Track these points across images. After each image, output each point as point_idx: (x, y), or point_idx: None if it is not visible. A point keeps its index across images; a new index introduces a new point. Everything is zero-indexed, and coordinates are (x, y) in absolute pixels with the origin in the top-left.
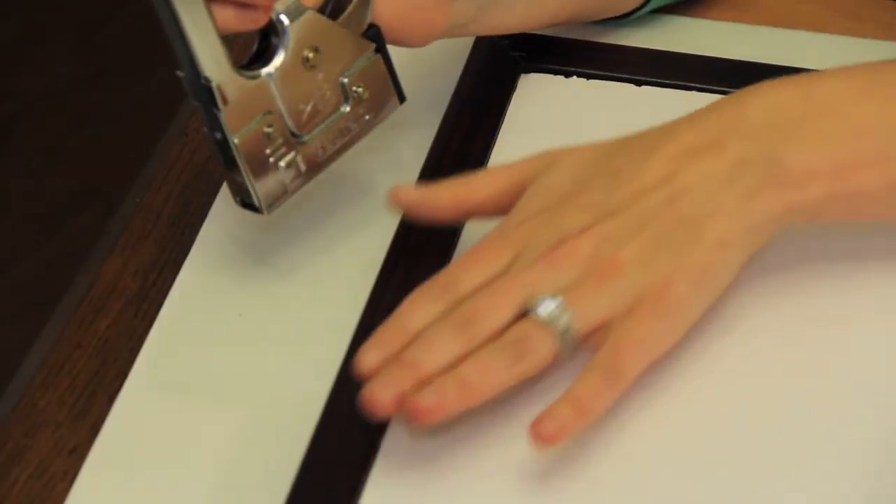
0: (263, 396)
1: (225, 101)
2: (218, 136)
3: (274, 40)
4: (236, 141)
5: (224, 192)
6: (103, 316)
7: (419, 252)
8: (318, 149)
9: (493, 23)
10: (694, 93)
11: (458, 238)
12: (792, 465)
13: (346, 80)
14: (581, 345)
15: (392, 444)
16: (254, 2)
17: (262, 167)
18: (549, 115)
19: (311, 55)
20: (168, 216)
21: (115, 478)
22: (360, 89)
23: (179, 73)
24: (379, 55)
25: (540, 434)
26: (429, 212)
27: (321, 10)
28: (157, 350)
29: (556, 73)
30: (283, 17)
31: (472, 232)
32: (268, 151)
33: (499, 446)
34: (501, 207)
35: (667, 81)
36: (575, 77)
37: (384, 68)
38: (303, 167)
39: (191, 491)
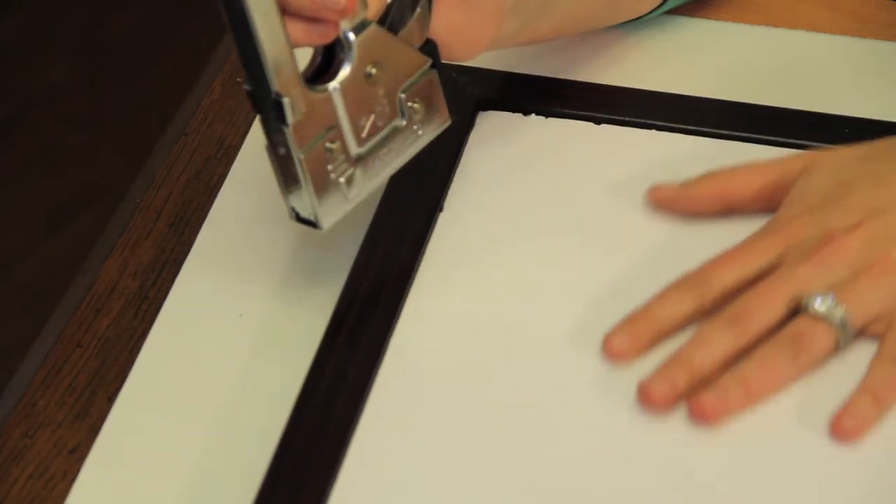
0: (264, 396)
1: (294, 116)
2: (282, 151)
3: (339, 55)
4: (301, 157)
5: (224, 193)
6: (103, 316)
7: (392, 250)
8: (374, 164)
9: (532, 35)
10: (654, 132)
11: (431, 228)
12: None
13: (403, 95)
14: (858, 336)
15: (361, 448)
16: (324, 17)
17: (323, 183)
18: (507, 154)
19: (373, 70)
20: (168, 216)
21: (115, 478)
22: (415, 104)
23: (246, 87)
24: (434, 70)
25: (841, 430)
26: (688, 207)
27: (381, 22)
28: (157, 350)
29: (514, 110)
30: (350, 33)
31: (447, 227)
32: (329, 167)
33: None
34: (760, 205)
35: (626, 119)
36: (533, 115)
37: (438, 84)
38: (360, 182)
39: (191, 491)
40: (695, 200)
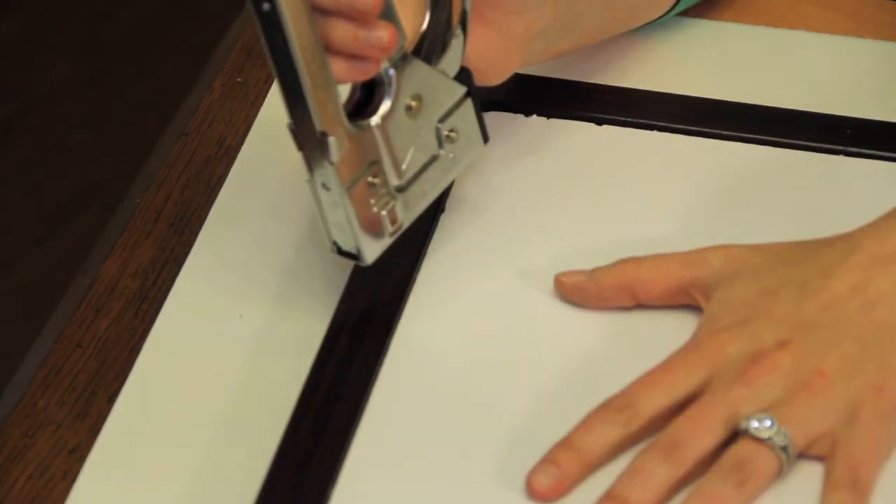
0: (265, 396)
1: (338, 154)
2: (325, 187)
3: (380, 90)
4: (345, 192)
5: (224, 193)
6: (103, 316)
7: (393, 251)
8: (414, 194)
9: (556, 52)
10: (655, 132)
11: (432, 229)
12: None
13: (440, 125)
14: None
15: (361, 449)
16: (367, 54)
17: (366, 217)
18: (508, 154)
19: (413, 104)
20: (168, 216)
21: (115, 478)
22: (452, 133)
23: (290, 125)
24: (469, 99)
25: None
26: (593, 299)
27: (416, 52)
28: (157, 350)
29: (515, 111)
30: (390, 68)
31: (448, 228)
32: (372, 201)
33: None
34: (669, 302)
35: (628, 120)
36: (535, 116)
37: (473, 111)
38: (400, 214)
39: (191, 491)
40: (599, 294)
